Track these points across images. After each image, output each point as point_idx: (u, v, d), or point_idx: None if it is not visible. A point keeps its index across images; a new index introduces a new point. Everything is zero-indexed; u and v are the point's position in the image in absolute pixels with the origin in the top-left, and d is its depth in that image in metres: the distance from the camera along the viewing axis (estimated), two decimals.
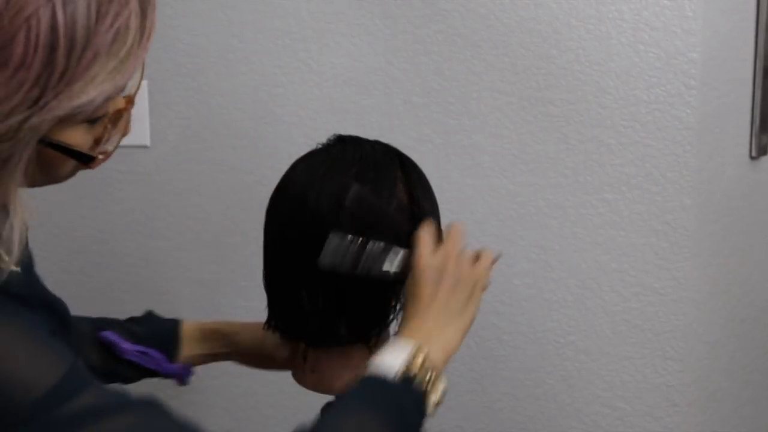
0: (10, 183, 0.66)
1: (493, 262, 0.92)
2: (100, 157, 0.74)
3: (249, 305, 1.37)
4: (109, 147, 0.75)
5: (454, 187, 1.43)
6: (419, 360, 0.78)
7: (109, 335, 1.02)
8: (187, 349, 1.09)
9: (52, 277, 1.76)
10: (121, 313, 1.66)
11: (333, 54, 1.47)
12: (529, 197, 1.42)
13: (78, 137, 0.70)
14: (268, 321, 0.96)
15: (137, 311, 1.63)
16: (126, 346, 1.02)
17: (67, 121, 0.67)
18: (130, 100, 0.74)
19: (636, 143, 1.37)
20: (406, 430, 0.77)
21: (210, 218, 1.58)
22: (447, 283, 0.85)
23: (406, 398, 0.77)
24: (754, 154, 1.49)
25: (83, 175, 1.73)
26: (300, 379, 1.00)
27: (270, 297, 0.95)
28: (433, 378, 0.79)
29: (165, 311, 1.62)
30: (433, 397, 0.80)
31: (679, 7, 1.33)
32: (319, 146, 0.97)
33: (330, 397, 1.00)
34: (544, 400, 1.46)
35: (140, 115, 1.59)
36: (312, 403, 1.03)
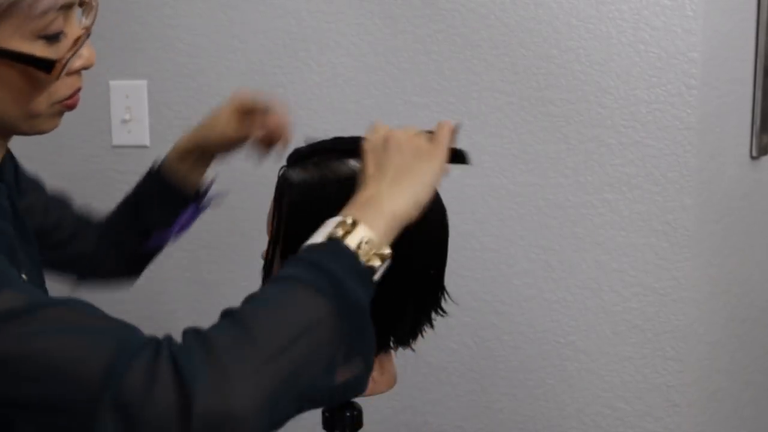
0: None
1: (452, 131, 0.88)
2: (63, 70, 0.73)
3: None
4: (72, 66, 0.75)
5: (454, 187, 1.43)
6: (347, 224, 0.75)
7: (153, 243, 1.06)
8: (187, 180, 1.11)
9: (51, 276, 1.75)
10: (121, 313, 1.66)
11: (333, 54, 1.47)
12: (529, 197, 1.42)
13: (36, 51, 0.71)
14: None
15: (137, 311, 1.63)
16: (167, 236, 1.06)
17: (17, 29, 0.69)
18: (87, 29, 0.76)
19: (636, 143, 1.37)
20: (341, 290, 0.71)
21: (210, 218, 1.57)
22: (387, 152, 0.84)
23: (335, 258, 0.72)
24: (754, 153, 1.49)
25: (83, 175, 1.74)
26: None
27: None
28: (364, 240, 0.74)
29: (164, 311, 1.63)
30: (365, 258, 0.74)
31: (679, 7, 1.33)
32: None
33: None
34: (544, 400, 1.45)
35: (140, 115, 1.59)
36: None
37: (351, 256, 0.73)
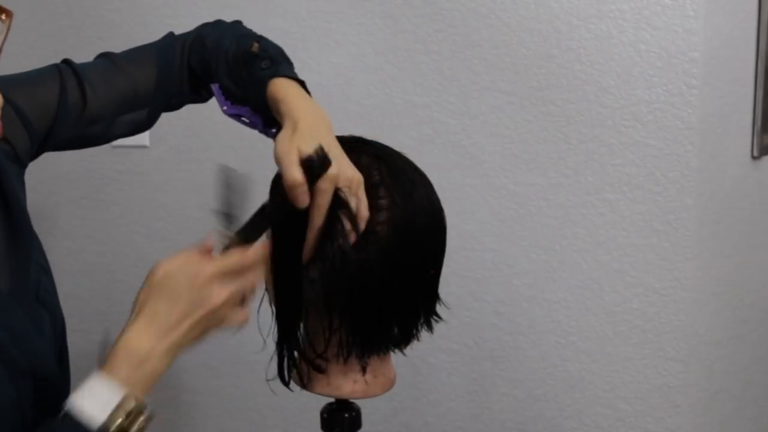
0: None
1: (244, 296, 0.80)
2: None
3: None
4: None
5: (455, 187, 1.43)
6: (124, 411, 0.74)
7: (216, 91, 1.00)
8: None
9: None
10: (120, 313, 1.66)
11: (333, 53, 1.46)
12: (529, 197, 1.42)
13: None
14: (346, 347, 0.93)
15: None
16: (226, 107, 0.99)
17: None
18: None
19: (637, 143, 1.36)
20: None
21: (209, 218, 1.57)
22: (164, 298, 0.79)
23: None
24: (755, 153, 1.49)
25: (82, 175, 1.73)
26: (340, 389, 0.97)
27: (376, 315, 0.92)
28: (133, 418, 0.74)
29: None
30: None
31: (680, 7, 1.32)
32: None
33: (328, 399, 1.00)
34: (545, 400, 1.45)
35: None
36: (310, 403, 1.02)
37: None
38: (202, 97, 1.07)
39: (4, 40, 0.74)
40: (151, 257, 1.61)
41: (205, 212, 1.57)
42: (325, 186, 0.83)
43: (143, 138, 1.59)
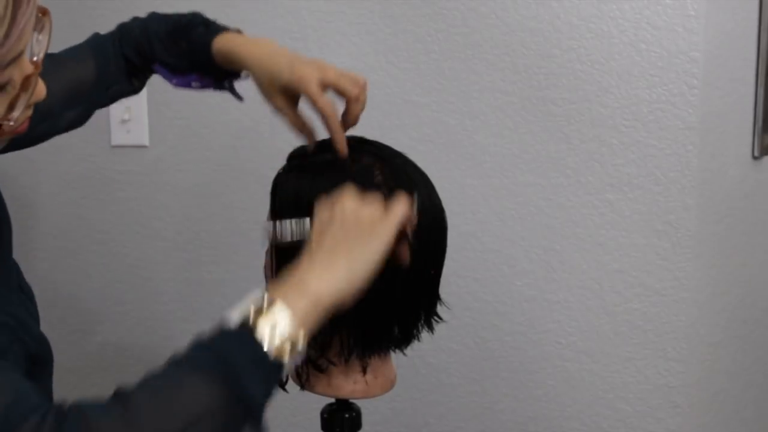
0: None
1: (408, 206, 0.82)
2: (10, 123, 0.71)
3: None
4: (16, 113, 0.72)
5: (455, 187, 1.43)
6: (263, 305, 0.72)
7: (159, 70, 1.05)
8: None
9: (51, 277, 1.77)
10: (121, 313, 1.66)
11: (333, 53, 1.46)
12: (530, 197, 1.42)
13: None
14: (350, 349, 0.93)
15: (137, 311, 1.63)
16: (174, 80, 1.05)
17: None
18: (37, 65, 0.73)
19: (638, 143, 1.36)
20: (238, 385, 0.69)
21: (209, 218, 1.57)
22: (331, 225, 0.79)
23: (240, 349, 0.70)
24: (756, 153, 1.49)
25: (82, 175, 1.73)
26: (340, 389, 0.97)
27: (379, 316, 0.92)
28: (278, 327, 0.71)
29: (164, 312, 1.62)
30: (275, 349, 0.71)
31: (681, 6, 1.32)
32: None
33: (329, 399, 1.00)
34: (545, 401, 1.45)
35: (139, 115, 1.58)
36: (310, 404, 1.02)
37: (257, 348, 0.70)
38: (134, 86, 1.10)
39: (49, 39, 0.76)
40: (151, 257, 1.62)
41: (204, 212, 1.57)
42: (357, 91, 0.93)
43: (143, 138, 1.58)
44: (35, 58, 0.72)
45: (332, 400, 0.99)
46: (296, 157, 0.97)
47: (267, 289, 0.74)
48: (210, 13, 1.51)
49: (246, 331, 0.71)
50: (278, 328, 0.71)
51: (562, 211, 1.41)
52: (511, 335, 1.45)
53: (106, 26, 1.57)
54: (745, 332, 1.54)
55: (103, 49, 1.06)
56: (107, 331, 1.66)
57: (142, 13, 1.56)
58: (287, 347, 0.72)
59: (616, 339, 1.41)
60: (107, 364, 1.65)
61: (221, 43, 0.99)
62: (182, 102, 1.56)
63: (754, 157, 1.49)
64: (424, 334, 0.97)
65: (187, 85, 1.05)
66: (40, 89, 0.74)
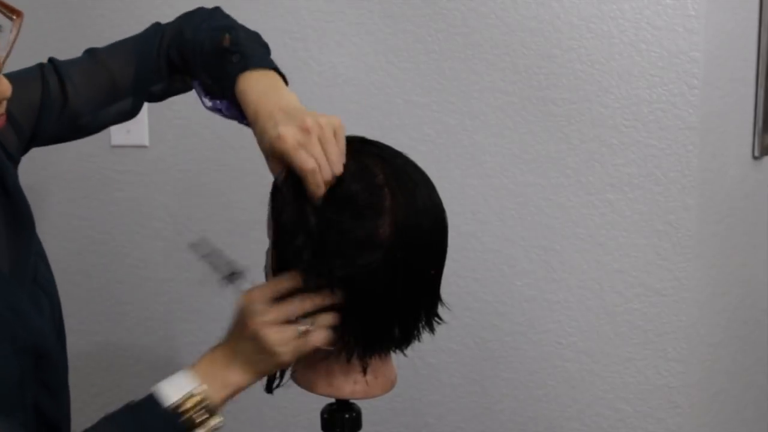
0: None
1: (295, 337, 0.86)
2: None
3: None
4: None
5: (455, 187, 1.43)
6: (196, 398, 0.82)
7: (195, 86, 1.02)
8: None
9: None
10: (121, 313, 1.66)
11: (333, 53, 1.46)
12: (530, 197, 1.41)
13: None
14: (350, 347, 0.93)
15: (137, 311, 1.63)
16: (207, 102, 1.01)
17: None
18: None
19: (638, 143, 1.36)
20: None
21: (209, 218, 1.57)
22: (239, 332, 0.86)
23: (166, 429, 0.82)
24: (756, 153, 1.48)
25: (82, 174, 1.73)
26: (340, 390, 0.97)
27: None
28: (204, 417, 0.83)
29: (164, 312, 1.62)
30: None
31: (681, 6, 1.32)
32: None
33: (329, 399, 1.00)
34: (546, 401, 1.45)
35: (139, 116, 1.58)
36: (311, 404, 1.02)
37: None
38: (177, 85, 1.07)
39: (15, 40, 0.76)
40: (151, 257, 1.62)
41: (204, 212, 1.57)
42: (277, 155, 0.86)
43: (143, 138, 1.58)
44: None
45: (332, 400, 0.99)
46: None
47: (194, 371, 0.84)
48: None
49: (177, 418, 0.82)
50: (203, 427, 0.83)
51: (563, 211, 1.40)
52: (511, 335, 1.45)
53: (106, 26, 1.57)
54: (746, 332, 1.54)
55: (148, 47, 1.04)
56: (107, 331, 1.65)
57: (142, 13, 1.55)
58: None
59: (616, 339, 1.41)
60: (107, 364, 1.65)
61: (240, 82, 0.94)
62: (182, 102, 1.55)
63: (755, 157, 1.49)
64: (425, 335, 0.97)
65: (218, 111, 1.01)
66: (5, 87, 0.77)
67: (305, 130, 0.84)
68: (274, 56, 1.53)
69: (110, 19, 1.55)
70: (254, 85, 0.94)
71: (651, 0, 1.33)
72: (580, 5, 1.36)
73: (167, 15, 1.52)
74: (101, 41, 1.55)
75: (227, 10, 1.49)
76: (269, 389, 0.95)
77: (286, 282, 0.87)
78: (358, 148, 0.93)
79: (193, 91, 1.07)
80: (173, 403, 0.81)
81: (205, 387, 0.83)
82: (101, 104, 1.01)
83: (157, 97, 1.08)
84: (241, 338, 0.85)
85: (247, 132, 1.67)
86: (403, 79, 1.44)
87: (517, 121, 1.40)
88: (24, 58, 1.54)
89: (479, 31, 1.40)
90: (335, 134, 0.86)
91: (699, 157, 1.35)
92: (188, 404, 0.82)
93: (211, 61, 0.97)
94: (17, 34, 0.76)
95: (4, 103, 0.79)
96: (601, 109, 1.37)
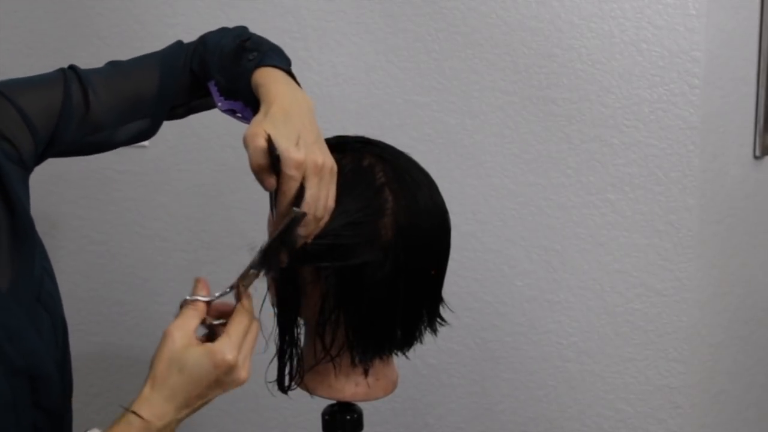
0: None
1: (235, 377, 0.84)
2: None
3: None
4: None
5: (456, 187, 1.42)
6: None
7: (212, 88, 0.99)
8: None
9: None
10: (120, 313, 1.66)
11: (333, 53, 1.46)
12: (530, 197, 1.41)
13: None
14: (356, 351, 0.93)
15: (137, 311, 1.63)
16: (221, 103, 0.99)
17: None
18: None
19: (639, 143, 1.36)
20: None
21: (209, 218, 1.57)
22: (185, 378, 0.82)
23: None
24: (757, 153, 1.48)
25: (82, 175, 1.73)
26: (341, 392, 0.96)
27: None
28: None
29: (164, 313, 1.62)
30: None
31: (682, 5, 1.32)
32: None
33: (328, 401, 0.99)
34: (546, 402, 1.45)
35: None
36: (311, 405, 1.02)
37: None
38: (199, 101, 1.05)
39: None
40: (151, 257, 1.61)
41: (204, 212, 1.57)
42: (290, 172, 0.80)
43: None
44: None
45: (333, 401, 0.99)
46: None
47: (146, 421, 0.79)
48: (210, 13, 1.51)
49: None
50: None
51: (563, 211, 1.40)
52: (511, 336, 1.45)
53: (105, 25, 1.56)
54: (747, 333, 1.53)
55: (172, 61, 1.01)
56: (107, 331, 1.65)
57: (141, 12, 1.55)
58: None
59: (617, 339, 1.41)
60: (107, 364, 1.65)
61: (258, 75, 0.91)
62: None
63: (756, 157, 1.49)
64: (425, 335, 0.96)
65: (232, 113, 0.99)
66: None
67: (317, 168, 0.80)
68: None
69: (109, 19, 1.55)
70: (269, 75, 0.92)
71: None
72: (581, 4, 1.35)
73: (167, 15, 1.53)
74: (100, 41, 1.55)
75: (227, 10, 1.50)
76: (283, 389, 0.94)
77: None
78: (360, 147, 0.92)
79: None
80: None
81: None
82: (123, 116, 0.99)
83: (179, 115, 1.07)
84: (212, 389, 0.82)
85: None
86: (403, 78, 1.44)
87: (518, 120, 1.40)
88: (24, 58, 1.54)
89: (479, 31, 1.40)
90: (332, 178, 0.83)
91: (700, 156, 1.35)
92: None
93: (229, 60, 0.96)
94: None
95: None
96: (601, 109, 1.37)
